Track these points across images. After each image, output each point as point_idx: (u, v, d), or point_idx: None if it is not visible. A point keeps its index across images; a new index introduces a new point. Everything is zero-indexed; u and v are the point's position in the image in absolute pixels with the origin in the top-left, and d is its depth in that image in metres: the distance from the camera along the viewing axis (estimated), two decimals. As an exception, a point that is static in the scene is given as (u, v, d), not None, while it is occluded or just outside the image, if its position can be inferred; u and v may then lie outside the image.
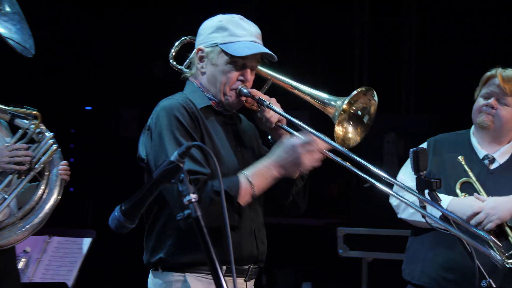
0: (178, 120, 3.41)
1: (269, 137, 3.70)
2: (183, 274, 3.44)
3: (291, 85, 3.70)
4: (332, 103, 3.55)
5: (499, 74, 4.30)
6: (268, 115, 3.58)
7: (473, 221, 4.12)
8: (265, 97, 3.58)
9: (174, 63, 3.81)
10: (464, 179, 4.29)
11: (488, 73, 4.37)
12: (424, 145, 4.47)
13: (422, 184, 3.75)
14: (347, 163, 3.50)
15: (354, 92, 3.55)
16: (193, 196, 2.51)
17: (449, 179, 4.29)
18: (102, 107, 9.06)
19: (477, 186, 4.26)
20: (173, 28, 8.87)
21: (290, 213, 3.78)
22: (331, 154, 3.50)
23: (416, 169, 3.75)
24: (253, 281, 3.63)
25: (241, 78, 3.53)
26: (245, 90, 3.53)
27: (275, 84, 3.76)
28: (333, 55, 8.77)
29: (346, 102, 3.52)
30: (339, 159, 3.50)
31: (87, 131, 8.98)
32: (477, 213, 4.14)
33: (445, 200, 4.17)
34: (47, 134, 4.40)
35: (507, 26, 7.79)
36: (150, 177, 3.51)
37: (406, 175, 4.36)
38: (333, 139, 3.52)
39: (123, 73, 8.81)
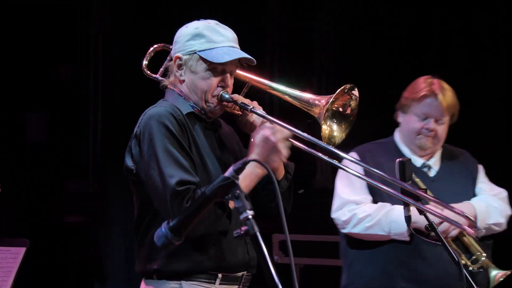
0: (167, 128, 3.39)
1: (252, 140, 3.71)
2: (179, 282, 3.43)
3: (270, 86, 3.70)
4: (316, 102, 3.57)
5: (440, 96, 4.29)
6: (252, 119, 3.60)
7: (438, 230, 4.18)
8: (247, 101, 3.59)
9: (149, 72, 3.78)
10: None
11: (423, 92, 4.34)
12: (353, 155, 4.46)
13: (407, 194, 3.85)
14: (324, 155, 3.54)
15: (338, 91, 3.57)
16: (249, 213, 2.48)
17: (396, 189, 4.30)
18: (6, 111, 8.77)
19: (430, 194, 4.30)
20: (81, 31, 8.69)
21: (276, 215, 3.81)
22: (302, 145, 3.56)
23: (403, 178, 3.84)
24: None
25: (221, 84, 3.54)
26: (226, 96, 3.54)
27: (254, 87, 3.76)
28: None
29: (331, 101, 3.54)
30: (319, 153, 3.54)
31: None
32: (442, 222, 4.22)
33: None
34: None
35: (415, 32, 7.96)
36: (139, 188, 3.49)
37: (346, 187, 4.38)
38: (320, 138, 3.55)
39: (29, 76, 8.57)
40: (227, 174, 2.52)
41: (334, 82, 8.08)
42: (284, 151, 3.47)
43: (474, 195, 4.51)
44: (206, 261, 3.42)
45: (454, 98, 4.37)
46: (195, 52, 3.51)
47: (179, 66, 3.57)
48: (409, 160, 3.83)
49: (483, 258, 4.26)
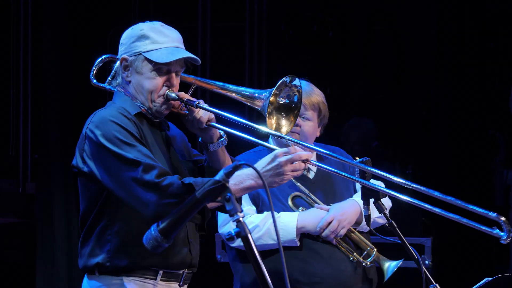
0: (116, 123, 3.45)
1: (200, 139, 3.73)
2: (120, 278, 3.50)
3: (216, 85, 3.76)
4: (261, 96, 3.62)
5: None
6: (198, 116, 3.63)
7: (327, 231, 4.20)
8: (193, 98, 3.65)
9: (95, 81, 3.81)
10: (294, 193, 4.32)
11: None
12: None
13: (368, 193, 3.91)
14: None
15: (279, 82, 3.62)
16: (240, 215, 2.52)
17: (278, 196, 4.31)
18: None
19: (312, 197, 4.32)
20: None
21: None
22: (316, 162, 3.64)
23: (362, 178, 3.91)
24: (186, 286, 3.69)
25: (167, 83, 3.61)
26: (172, 94, 3.60)
27: (200, 87, 3.80)
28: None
29: (272, 92, 3.59)
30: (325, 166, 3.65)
31: None
32: (330, 222, 4.22)
33: (292, 217, 4.22)
34: None
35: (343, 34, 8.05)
36: (87, 187, 3.52)
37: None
38: None
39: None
40: (217, 177, 2.54)
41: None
42: (290, 175, 3.43)
43: (355, 191, 4.53)
44: (148, 257, 3.47)
45: (318, 95, 4.39)
46: (140, 53, 3.59)
47: (125, 67, 3.63)
48: (369, 160, 3.90)
49: (374, 252, 4.32)
